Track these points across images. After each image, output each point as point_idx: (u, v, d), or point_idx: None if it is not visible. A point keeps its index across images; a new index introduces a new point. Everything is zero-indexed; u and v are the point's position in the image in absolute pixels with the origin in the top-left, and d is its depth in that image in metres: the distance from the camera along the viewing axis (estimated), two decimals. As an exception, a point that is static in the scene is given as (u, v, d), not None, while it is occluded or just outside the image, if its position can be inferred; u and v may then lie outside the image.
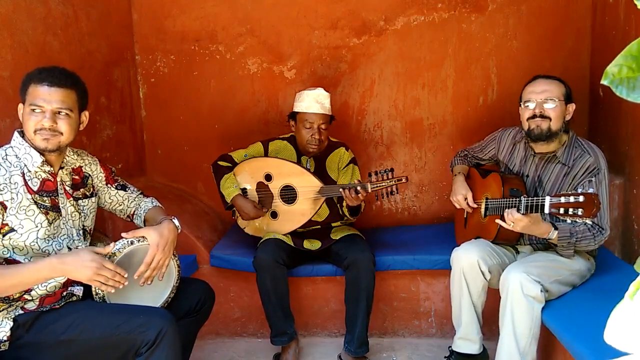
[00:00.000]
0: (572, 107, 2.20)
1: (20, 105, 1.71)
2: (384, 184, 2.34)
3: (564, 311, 1.98)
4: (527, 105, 2.20)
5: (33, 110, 1.66)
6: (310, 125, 2.59)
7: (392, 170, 2.37)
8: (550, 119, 2.14)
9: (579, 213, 1.77)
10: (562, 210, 1.81)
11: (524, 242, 2.30)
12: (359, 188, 2.34)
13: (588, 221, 1.78)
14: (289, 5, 3.10)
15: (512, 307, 1.99)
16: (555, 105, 2.14)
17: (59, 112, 1.68)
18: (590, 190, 1.78)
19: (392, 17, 3.07)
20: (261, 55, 3.17)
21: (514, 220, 1.97)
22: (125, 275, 1.67)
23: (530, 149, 2.29)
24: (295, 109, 2.64)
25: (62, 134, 1.70)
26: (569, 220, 1.96)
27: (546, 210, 1.86)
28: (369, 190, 2.35)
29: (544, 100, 2.15)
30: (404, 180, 2.35)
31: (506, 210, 2.02)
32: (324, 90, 2.62)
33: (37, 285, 1.66)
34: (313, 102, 2.58)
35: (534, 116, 2.16)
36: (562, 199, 1.81)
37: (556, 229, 2.05)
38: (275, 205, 2.64)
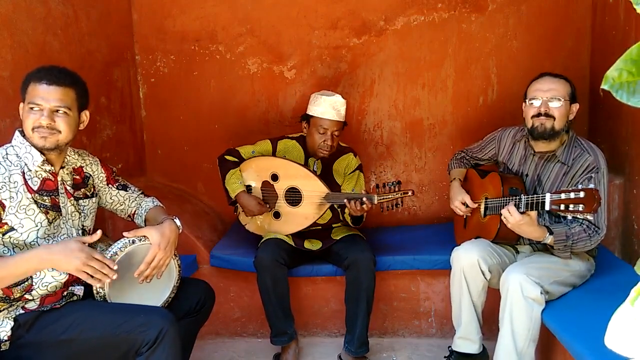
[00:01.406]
0: (575, 107, 2.20)
1: (21, 105, 1.71)
2: (390, 196, 2.35)
3: (563, 311, 1.98)
4: (532, 103, 2.18)
5: (31, 108, 1.66)
6: (324, 131, 2.58)
7: (399, 182, 2.37)
8: (554, 118, 2.13)
9: (580, 209, 1.77)
10: (562, 207, 1.81)
11: (524, 242, 2.30)
12: (365, 199, 2.34)
13: (589, 217, 1.78)
14: (289, 5, 3.10)
15: (511, 308, 1.99)
16: (561, 105, 2.14)
17: (57, 111, 1.68)
18: (591, 186, 1.78)
19: (392, 17, 3.07)
20: (261, 55, 3.17)
21: (511, 212, 1.97)
22: (115, 268, 1.66)
23: (530, 148, 2.29)
24: (310, 112, 2.63)
25: (60, 132, 1.69)
26: (569, 217, 1.96)
27: (547, 207, 1.86)
28: (375, 202, 2.35)
29: (549, 99, 2.14)
30: (410, 194, 2.35)
31: (507, 206, 2.02)
32: (341, 97, 2.62)
33: (27, 277, 1.64)
34: (329, 108, 2.57)
35: (538, 114, 2.15)
36: (563, 195, 1.81)
37: (551, 233, 2.05)
38: (279, 205, 2.64)
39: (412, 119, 3.16)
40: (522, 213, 1.98)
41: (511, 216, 1.98)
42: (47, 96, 1.66)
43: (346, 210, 2.52)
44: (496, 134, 2.50)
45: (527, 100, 2.23)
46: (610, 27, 2.72)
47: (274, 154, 2.71)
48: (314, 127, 2.61)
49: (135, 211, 2.04)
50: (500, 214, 2.05)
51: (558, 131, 2.15)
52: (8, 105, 2.14)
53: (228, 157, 2.69)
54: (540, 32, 2.99)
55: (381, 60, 3.12)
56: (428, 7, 3.04)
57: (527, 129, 2.24)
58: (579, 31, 2.97)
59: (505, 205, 2.05)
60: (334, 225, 2.77)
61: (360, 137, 3.20)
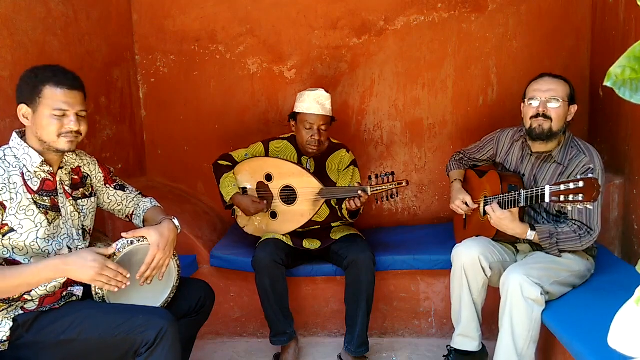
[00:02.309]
0: (574, 108, 2.20)
1: (24, 107, 1.68)
2: (384, 187, 2.34)
3: (564, 311, 1.98)
4: (531, 103, 2.19)
5: (56, 114, 1.66)
6: (310, 126, 2.59)
7: (392, 173, 2.37)
8: (552, 120, 2.14)
9: (580, 198, 1.77)
10: (562, 198, 1.82)
11: (523, 240, 2.30)
12: (359, 192, 2.34)
13: (589, 206, 1.79)
14: (289, 5, 3.10)
15: (511, 309, 2.00)
16: (559, 106, 2.14)
17: (79, 114, 1.71)
18: (590, 176, 1.78)
19: (392, 17, 3.07)
20: (261, 55, 3.17)
21: (494, 209, 2.03)
22: (128, 276, 1.68)
23: (528, 148, 2.30)
24: (296, 110, 2.64)
25: (82, 134, 1.74)
26: (569, 207, 1.97)
27: (547, 199, 1.87)
28: (369, 194, 2.35)
29: (548, 99, 2.14)
30: (404, 184, 2.35)
31: (492, 203, 2.06)
32: (324, 91, 2.62)
33: (39, 286, 1.65)
34: (314, 103, 2.58)
35: (537, 115, 2.16)
36: (562, 187, 1.82)
37: (533, 229, 2.07)
38: (275, 205, 2.64)
39: (412, 119, 3.15)
40: (522, 208, 1.99)
41: (493, 212, 2.02)
42: (71, 101, 1.68)
43: (343, 206, 2.52)
44: (494, 134, 2.50)
45: (525, 101, 2.23)
46: (610, 27, 2.72)
47: (266, 155, 2.71)
48: (301, 124, 2.61)
49: (133, 211, 2.04)
50: (486, 212, 2.08)
51: (555, 132, 2.16)
52: (8, 105, 2.13)
53: (222, 162, 2.70)
54: (540, 32, 2.99)
55: (381, 60, 3.12)
56: (428, 7, 3.03)
57: (525, 129, 2.25)
58: (579, 31, 2.97)
59: (505, 201, 2.07)
60: (332, 225, 2.77)
61: (360, 137, 3.20)
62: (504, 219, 2.04)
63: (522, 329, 1.98)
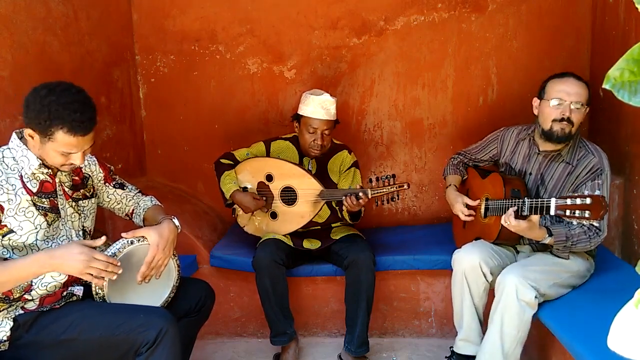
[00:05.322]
0: (587, 110, 2.19)
1: (30, 131, 1.61)
2: (384, 190, 2.34)
3: (563, 311, 1.98)
4: (555, 104, 2.12)
5: (64, 154, 1.64)
6: (313, 130, 2.58)
7: (393, 176, 2.36)
8: (573, 124, 2.12)
9: (586, 215, 1.74)
10: (568, 212, 1.79)
11: (524, 242, 2.30)
12: (360, 194, 2.34)
13: (595, 223, 1.76)
14: (289, 5, 3.10)
15: (503, 308, 2.00)
16: (581, 111, 2.12)
17: (85, 151, 1.70)
18: (597, 192, 1.75)
19: (392, 17, 3.06)
20: (261, 55, 3.17)
21: (510, 222, 1.96)
22: (119, 264, 1.66)
23: (535, 146, 2.27)
24: (300, 112, 2.63)
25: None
26: (575, 222, 1.94)
27: (552, 212, 1.84)
28: (370, 196, 2.35)
29: (573, 103, 2.10)
30: (405, 187, 2.34)
31: (507, 212, 2.01)
32: (330, 95, 2.61)
33: (28, 281, 1.64)
34: (318, 107, 2.57)
35: (561, 119, 2.10)
36: (569, 201, 1.78)
37: (551, 234, 2.04)
38: (276, 205, 2.64)
39: (412, 119, 3.15)
40: (525, 217, 1.96)
41: (509, 223, 1.96)
42: (81, 144, 1.68)
43: (344, 208, 2.52)
44: (499, 133, 2.48)
45: (547, 99, 2.16)
46: (610, 27, 2.72)
47: (267, 155, 2.71)
48: (304, 127, 2.61)
49: (133, 210, 2.04)
50: (502, 220, 2.04)
51: (573, 135, 2.15)
52: (8, 105, 2.13)
53: (223, 161, 2.70)
54: (540, 32, 2.99)
55: (381, 60, 3.11)
56: (428, 7, 3.03)
57: (541, 130, 2.19)
58: (579, 31, 2.97)
59: (507, 207, 2.04)
60: (333, 225, 2.77)
61: (360, 137, 3.20)
62: (523, 229, 1.97)
63: (511, 329, 1.99)
